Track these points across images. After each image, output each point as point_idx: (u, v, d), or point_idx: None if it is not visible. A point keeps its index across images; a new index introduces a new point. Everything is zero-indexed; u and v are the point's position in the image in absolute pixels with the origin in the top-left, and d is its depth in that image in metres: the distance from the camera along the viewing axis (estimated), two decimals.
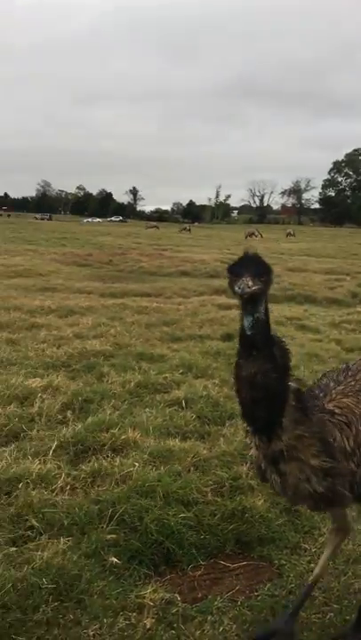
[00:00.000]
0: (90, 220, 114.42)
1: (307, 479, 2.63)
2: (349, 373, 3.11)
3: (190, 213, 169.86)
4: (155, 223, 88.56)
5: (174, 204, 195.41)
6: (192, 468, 4.65)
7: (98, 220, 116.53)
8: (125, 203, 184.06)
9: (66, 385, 6.59)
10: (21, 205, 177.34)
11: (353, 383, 3.01)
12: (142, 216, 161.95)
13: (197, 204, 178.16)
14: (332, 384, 3.06)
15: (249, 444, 2.80)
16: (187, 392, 6.49)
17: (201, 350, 8.85)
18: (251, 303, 2.39)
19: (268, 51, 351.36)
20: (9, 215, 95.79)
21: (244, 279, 2.33)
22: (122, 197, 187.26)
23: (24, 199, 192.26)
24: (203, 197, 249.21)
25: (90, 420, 5.47)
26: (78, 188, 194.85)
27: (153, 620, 3.04)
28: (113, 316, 11.52)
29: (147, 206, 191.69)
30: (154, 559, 3.55)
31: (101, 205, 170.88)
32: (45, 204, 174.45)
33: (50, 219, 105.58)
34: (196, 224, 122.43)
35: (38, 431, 5.30)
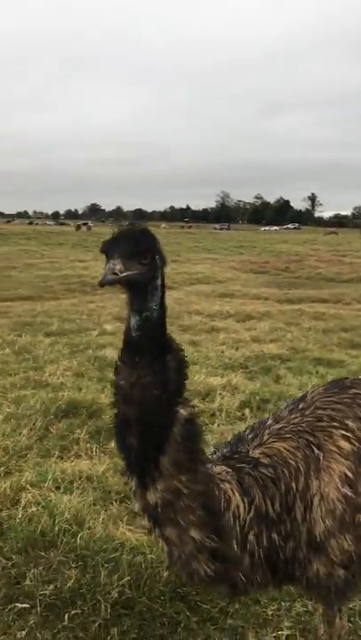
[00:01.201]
0: (267, 228, 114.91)
1: (192, 555, 2.00)
2: (300, 406, 2.39)
3: None
4: (333, 229, 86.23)
5: (355, 208, 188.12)
6: None
7: (275, 228, 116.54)
8: (303, 210, 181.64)
9: (244, 384, 6.86)
10: (202, 217, 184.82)
11: (298, 420, 2.29)
12: (321, 222, 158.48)
13: None
14: (269, 421, 2.38)
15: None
16: None
17: None
18: (136, 296, 1.88)
19: None
20: (190, 227, 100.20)
21: (111, 262, 1.79)
22: (300, 204, 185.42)
23: (204, 210, 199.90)
24: None
25: None
26: (256, 197, 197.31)
27: None
28: (289, 321, 11.60)
29: (325, 212, 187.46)
30: None
31: (278, 213, 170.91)
32: (224, 214, 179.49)
33: (228, 228, 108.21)
34: None
35: (219, 425, 5.61)
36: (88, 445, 4.97)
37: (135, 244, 1.84)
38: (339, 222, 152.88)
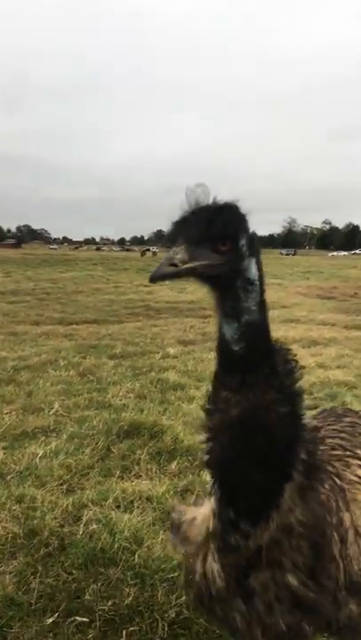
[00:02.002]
0: (335, 253, 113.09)
1: (270, 605, 1.67)
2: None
3: None
4: None
5: None
6: None
7: (343, 253, 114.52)
8: None
9: (308, 412, 6.72)
10: (268, 242, 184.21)
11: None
12: None
13: None
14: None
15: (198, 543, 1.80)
16: None
17: None
18: (224, 296, 1.49)
19: None
20: None
21: (172, 250, 1.40)
22: None
23: (270, 236, 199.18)
24: None
25: None
26: (324, 222, 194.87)
27: None
28: (357, 347, 11.30)
29: None
30: None
31: (347, 239, 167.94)
32: (291, 239, 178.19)
33: (295, 254, 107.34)
34: None
35: None
36: (148, 466, 5.01)
37: (208, 224, 1.42)
38: None
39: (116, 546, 3.59)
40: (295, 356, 1.63)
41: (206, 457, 1.61)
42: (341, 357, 10.19)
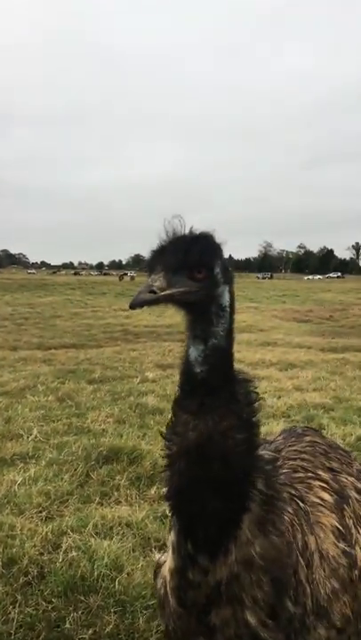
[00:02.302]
0: (311, 277, 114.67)
1: None
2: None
3: None
4: None
5: None
6: None
7: (318, 276, 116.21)
8: (347, 259, 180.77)
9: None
10: (244, 266, 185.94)
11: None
12: None
13: None
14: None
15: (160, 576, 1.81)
16: None
17: None
18: (197, 319, 1.55)
19: None
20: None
21: (151, 277, 1.47)
22: (344, 253, 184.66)
23: (247, 260, 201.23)
24: None
25: None
26: (299, 246, 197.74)
27: None
28: (333, 370, 11.45)
29: None
30: None
31: (322, 263, 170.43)
32: (267, 263, 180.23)
33: (271, 277, 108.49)
34: None
35: None
36: (128, 492, 5.00)
37: (185, 253, 1.48)
38: None
39: (96, 573, 3.56)
40: (257, 387, 1.66)
41: (165, 488, 1.62)
42: (318, 380, 10.31)
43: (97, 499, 4.87)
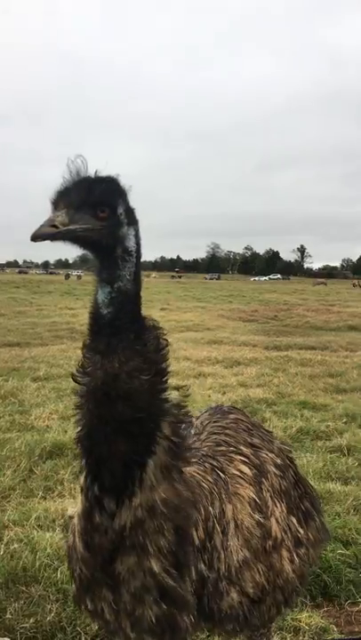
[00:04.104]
0: (257, 278, 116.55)
1: (138, 595, 1.66)
2: (192, 431, 2.24)
3: None
4: (323, 280, 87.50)
5: (344, 260, 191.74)
6: (352, 511, 4.63)
7: (264, 278, 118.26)
8: (292, 260, 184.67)
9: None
10: (192, 267, 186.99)
11: (197, 445, 2.12)
12: (310, 273, 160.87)
13: None
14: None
15: (70, 518, 1.85)
16: (350, 440, 6.47)
17: None
18: (103, 261, 1.58)
19: None
20: (180, 276, 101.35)
21: (53, 213, 1.50)
22: (289, 256, 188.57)
23: (195, 261, 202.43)
24: None
25: None
26: (246, 248, 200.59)
27: None
28: (276, 367, 11.71)
29: (314, 264, 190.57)
30: (311, 590, 3.61)
31: (268, 264, 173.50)
32: (214, 264, 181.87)
33: (218, 278, 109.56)
34: None
35: None
36: (72, 485, 4.98)
37: (88, 192, 1.51)
38: (328, 273, 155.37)
39: (37, 564, 3.55)
40: (166, 337, 1.70)
41: (77, 430, 1.65)
42: (262, 376, 10.53)
43: (40, 493, 4.83)
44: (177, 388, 1.75)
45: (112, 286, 1.58)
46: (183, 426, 1.83)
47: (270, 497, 2.09)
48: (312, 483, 5.17)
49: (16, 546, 3.75)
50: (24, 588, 3.38)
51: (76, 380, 1.64)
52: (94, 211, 1.51)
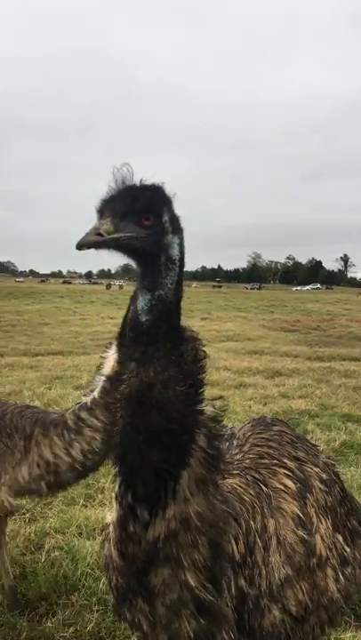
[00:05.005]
0: (299, 288, 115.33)
1: (175, 608, 1.63)
2: (234, 443, 2.20)
3: None
4: None
5: None
6: None
7: (307, 287, 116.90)
8: (335, 270, 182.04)
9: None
10: (233, 277, 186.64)
11: (240, 457, 2.11)
12: (353, 283, 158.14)
13: None
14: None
15: (106, 535, 1.82)
16: None
17: None
18: (146, 269, 1.56)
19: None
20: (220, 286, 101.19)
21: (99, 221, 1.50)
22: (332, 265, 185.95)
23: (236, 270, 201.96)
24: None
25: None
26: (288, 257, 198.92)
27: None
28: (319, 378, 11.52)
29: (358, 273, 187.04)
30: (355, 609, 3.51)
31: (310, 274, 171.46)
32: (256, 274, 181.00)
33: (260, 288, 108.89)
34: None
35: None
36: (113, 494, 4.99)
37: (133, 200, 1.50)
38: None
39: (78, 572, 3.57)
40: (206, 348, 1.66)
41: (114, 436, 1.63)
42: (304, 387, 10.37)
43: (81, 501, 4.86)
44: (216, 399, 1.73)
45: (153, 294, 1.55)
46: (224, 437, 1.80)
47: (315, 513, 2.03)
48: (357, 498, 5.06)
49: (57, 554, 3.78)
50: (65, 597, 3.40)
51: (114, 388, 1.64)
52: (139, 218, 1.50)
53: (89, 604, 3.33)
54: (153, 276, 1.55)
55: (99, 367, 3.54)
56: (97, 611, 3.27)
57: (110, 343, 3.36)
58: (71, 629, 3.13)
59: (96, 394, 3.16)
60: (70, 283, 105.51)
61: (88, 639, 3.08)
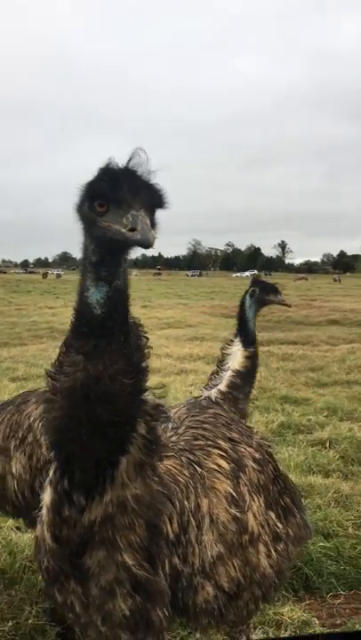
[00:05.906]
0: (239, 274, 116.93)
1: (110, 589, 1.64)
2: (170, 425, 2.21)
3: (341, 264, 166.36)
4: (304, 275, 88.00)
5: (324, 255, 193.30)
6: (333, 503, 4.65)
7: (246, 274, 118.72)
8: (274, 256, 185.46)
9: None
10: (174, 264, 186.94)
11: (175, 438, 2.12)
12: (291, 269, 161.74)
13: (349, 254, 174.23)
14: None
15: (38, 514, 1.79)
16: (331, 433, 6.51)
17: (348, 395, 8.78)
18: (112, 261, 1.51)
19: None
20: (160, 274, 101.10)
21: (139, 214, 1.42)
22: (270, 251, 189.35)
23: (176, 258, 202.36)
24: (356, 247, 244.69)
25: None
26: (227, 244, 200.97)
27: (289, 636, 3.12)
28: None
29: (296, 259, 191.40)
30: (292, 583, 3.62)
31: (249, 260, 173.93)
32: (196, 261, 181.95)
33: (200, 275, 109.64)
34: (347, 274, 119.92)
35: None
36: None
37: (153, 196, 1.48)
38: (309, 269, 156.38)
39: (17, 566, 3.50)
40: (147, 335, 1.66)
41: (46, 424, 1.61)
42: None
43: None
44: (158, 387, 1.71)
45: (110, 285, 1.51)
46: (160, 421, 1.78)
47: (248, 491, 2.08)
48: (293, 476, 5.20)
49: None
50: (3, 592, 3.33)
51: (51, 377, 1.59)
52: (152, 215, 1.48)
53: (29, 597, 3.28)
54: (112, 267, 1.52)
55: (221, 361, 3.59)
56: (37, 603, 3.22)
57: (232, 340, 3.47)
58: (10, 623, 3.08)
59: (223, 387, 3.21)
60: (5, 272, 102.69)
61: (28, 631, 3.03)
